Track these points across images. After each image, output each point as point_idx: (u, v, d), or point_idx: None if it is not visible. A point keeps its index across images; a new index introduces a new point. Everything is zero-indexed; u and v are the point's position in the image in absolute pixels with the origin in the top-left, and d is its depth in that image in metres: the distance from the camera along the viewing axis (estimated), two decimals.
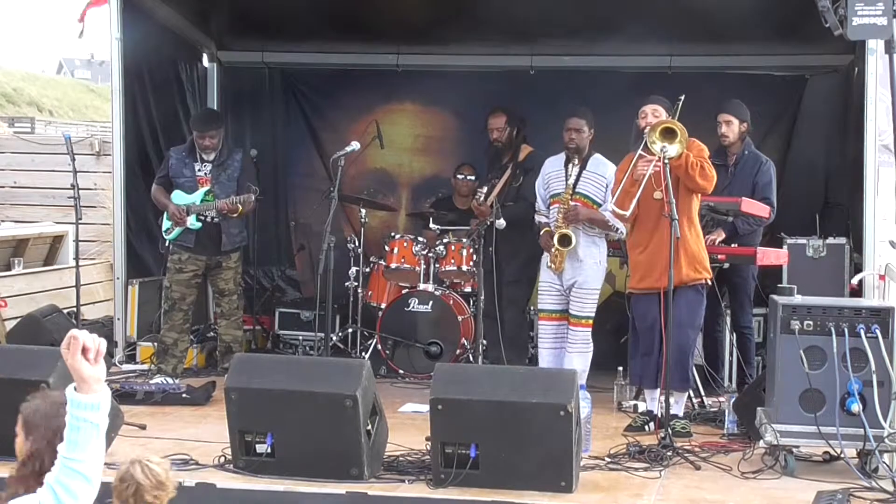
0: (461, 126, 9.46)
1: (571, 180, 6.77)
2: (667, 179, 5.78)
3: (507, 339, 7.34)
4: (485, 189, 7.57)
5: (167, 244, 7.52)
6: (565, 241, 6.65)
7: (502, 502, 4.60)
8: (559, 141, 6.93)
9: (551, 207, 6.86)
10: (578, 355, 6.75)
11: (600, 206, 6.73)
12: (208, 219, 7.37)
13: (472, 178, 8.34)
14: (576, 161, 6.81)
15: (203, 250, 7.45)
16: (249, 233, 8.33)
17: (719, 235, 7.02)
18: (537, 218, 7.00)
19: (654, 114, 6.13)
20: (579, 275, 6.73)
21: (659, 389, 5.95)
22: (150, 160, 8.48)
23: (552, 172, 6.91)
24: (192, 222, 7.35)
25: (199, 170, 7.45)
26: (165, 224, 7.49)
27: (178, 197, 7.42)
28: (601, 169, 6.80)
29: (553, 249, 6.68)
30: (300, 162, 9.87)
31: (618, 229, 6.72)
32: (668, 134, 5.80)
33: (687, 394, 6.37)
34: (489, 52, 9.28)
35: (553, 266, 6.72)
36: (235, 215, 7.38)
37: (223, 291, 7.60)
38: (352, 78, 9.66)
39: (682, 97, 6.05)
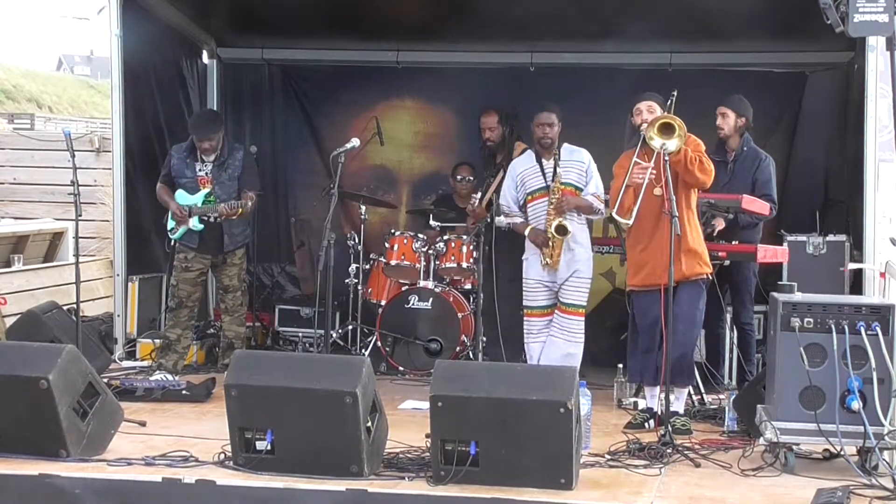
0: (461, 123, 9.46)
1: (549, 173, 6.82)
2: (666, 176, 5.78)
3: (506, 336, 7.34)
4: (478, 194, 7.65)
5: (172, 243, 7.56)
6: (562, 229, 6.68)
7: (502, 499, 4.59)
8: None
9: (529, 205, 6.89)
10: (573, 344, 6.77)
11: (582, 191, 6.80)
12: (210, 219, 7.41)
13: (471, 178, 8.33)
14: (547, 155, 6.86)
15: (207, 249, 7.50)
16: (250, 230, 8.34)
17: (719, 224, 7.01)
18: (502, 221, 7.03)
19: (648, 110, 6.12)
20: (574, 265, 6.78)
21: (659, 386, 5.96)
22: (155, 156, 8.48)
23: (525, 171, 6.95)
24: (194, 224, 7.38)
25: (199, 169, 7.47)
26: (170, 223, 7.52)
27: (181, 197, 7.45)
28: (576, 155, 6.89)
29: (550, 242, 6.71)
30: (300, 159, 9.86)
31: (599, 210, 6.79)
32: (666, 129, 5.79)
33: (687, 391, 6.37)
34: (489, 49, 9.27)
35: (549, 262, 6.74)
36: (235, 217, 7.41)
37: (227, 288, 7.63)
38: (352, 75, 9.66)
39: (675, 92, 6.05)
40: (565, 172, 6.84)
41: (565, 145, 6.92)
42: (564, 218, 6.73)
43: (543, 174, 6.86)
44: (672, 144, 5.77)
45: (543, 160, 6.87)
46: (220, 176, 7.45)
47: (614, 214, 6.05)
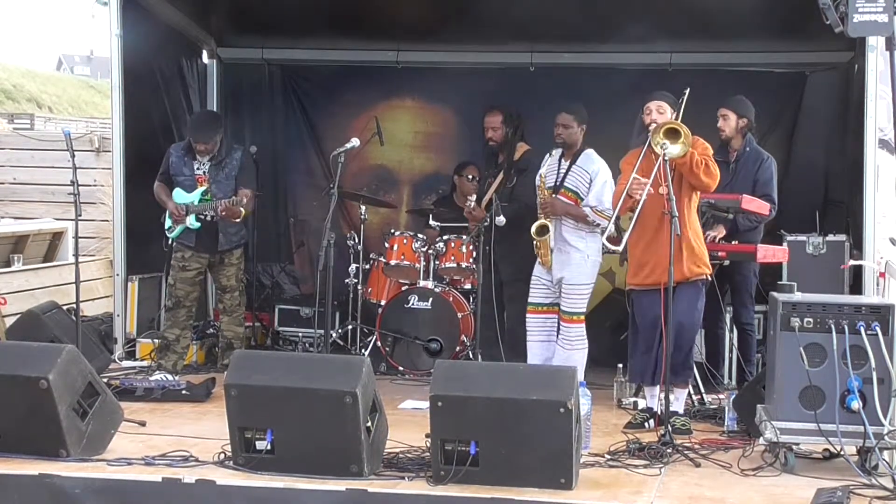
0: (462, 123, 9.46)
1: (560, 175, 6.84)
2: (668, 177, 5.79)
3: (506, 336, 7.35)
4: (474, 197, 7.67)
5: (170, 242, 7.56)
6: (541, 230, 6.70)
7: (502, 499, 4.59)
8: None
9: None
10: (575, 352, 6.78)
11: (583, 200, 6.80)
12: (207, 218, 7.40)
13: (478, 178, 8.30)
14: (566, 156, 6.88)
15: (204, 248, 7.50)
16: (249, 229, 8.34)
17: (720, 232, 7.03)
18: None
19: (658, 110, 6.11)
20: (566, 270, 6.78)
21: (659, 386, 5.96)
22: (155, 156, 8.48)
23: (547, 168, 6.98)
24: (191, 222, 7.39)
25: (197, 168, 7.48)
26: (168, 222, 7.52)
27: (179, 195, 7.45)
28: (587, 165, 6.89)
29: (534, 242, 6.74)
30: (300, 159, 9.86)
31: (598, 225, 6.76)
32: (672, 134, 5.79)
33: (687, 390, 6.37)
34: (489, 49, 9.27)
35: (540, 261, 6.77)
36: (238, 219, 7.41)
37: (225, 288, 7.63)
38: (352, 75, 9.65)
39: (688, 90, 6.05)
40: (571, 177, 6.86)
41: (587, 151, 6.93)
42: (553, 220, 6.74)
43: (558, 174, 6.88)
44: (675, 150, 5.76)
45: (563, 161, 6.90)
46: (217, 175, 7.45)
47: (604, 241, 6.09)
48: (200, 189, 7.42)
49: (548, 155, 7.09)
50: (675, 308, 5.83)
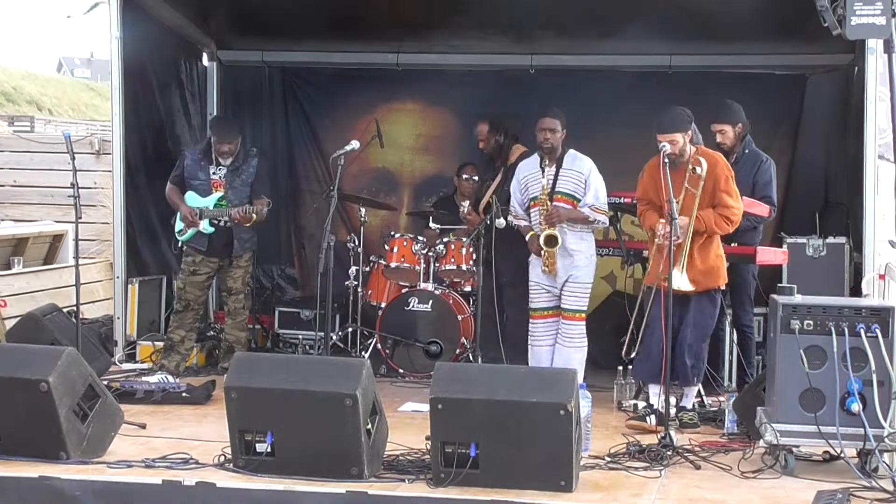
0: (462, 125, 9.45)
1: (549, 182, 6.83)
2: (667, 179, 5.80)
3: (506, 338, 7.35)
4: (467, 202, 7.73)
5: (180, 245, 7.56)
6: (551, 241, 6.71)
7: (502, 501, 4.60)
8: None
9: (531, 210, 6.91)
10: (575, 350, 6.81)
11: (580, 201, 6.79)
12: (221, 223, 7.41)
13: (476, 178, 8.32)
14: (549, 161, 6.85)
15: (215, 253, 7.51)
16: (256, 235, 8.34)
17: None
18: (510, 220, 7.07)
19: (672, 143, 6.04)
20: (572, 269, 6.82)
21: (660, 385, 6.01)
22: (151, 159, 8.48)
23: (529, 175, 6.97)
24: (204, 227, 7.40)
25: (213, 173, 7.49)
26: (178, 225, 7.52)
27: (192, 199, 7.46)
28: (577, 165, 6.87)
29: (542, 252, 6.74)
30: (300, 161, 9.86)
31: (599, 221, 6.79)
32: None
33: (696, 389, 6.45)
34: (489, 51, 9.27)
35: (547, 269, 6.79)
36: (249, 224, 7.41)
37: (231, 290, 7.65)
38: (352, 77, 9.66)
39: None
40: (563, 181, 6.84)
41: (570, 152, 6.91)
42: (556, 229, 6.74)
43: (543, 180, 6.86)
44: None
45: (546, 167, 6.87)
46: (234, 181, 7.47)
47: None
48: (217, 194, 7.44)
49: (522, 164, 7.07)
50: (687, 313, 6.08)
